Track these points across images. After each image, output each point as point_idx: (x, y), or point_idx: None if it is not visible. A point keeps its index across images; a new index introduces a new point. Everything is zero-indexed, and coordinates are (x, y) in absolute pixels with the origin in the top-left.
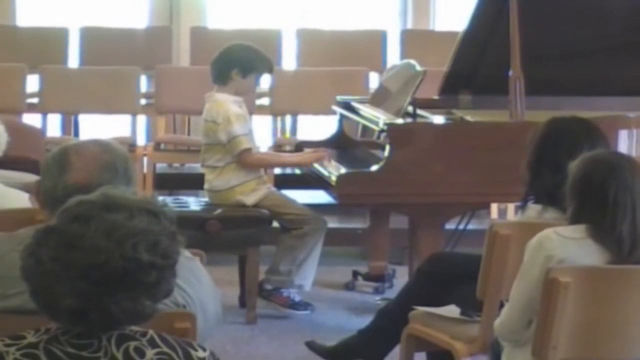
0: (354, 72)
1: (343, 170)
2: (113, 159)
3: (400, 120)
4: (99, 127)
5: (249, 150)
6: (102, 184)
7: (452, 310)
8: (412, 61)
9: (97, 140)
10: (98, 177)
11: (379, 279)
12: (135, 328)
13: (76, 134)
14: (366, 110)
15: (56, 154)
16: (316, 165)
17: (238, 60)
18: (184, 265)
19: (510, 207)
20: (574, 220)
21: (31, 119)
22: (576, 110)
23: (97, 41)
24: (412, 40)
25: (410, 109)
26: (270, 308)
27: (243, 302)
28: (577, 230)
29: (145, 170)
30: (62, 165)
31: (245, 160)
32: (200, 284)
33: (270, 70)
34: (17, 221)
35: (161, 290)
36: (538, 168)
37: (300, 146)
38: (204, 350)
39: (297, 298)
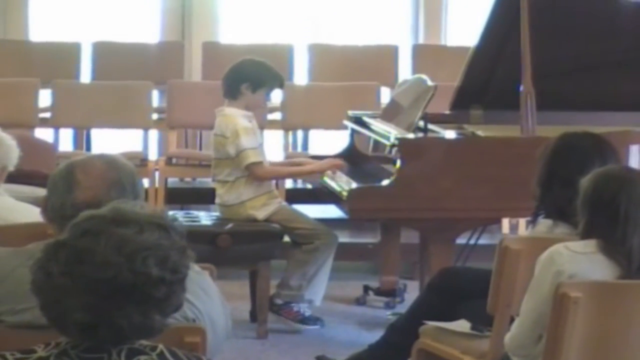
0: (365, 87)
1: (354, 185)
2: (119, 176)
3: (411, 135)
4: (111, 142)
5: (257, 163)
6: (110, 201)
7: (462, 325)
8: (424, 76)
9: (102, 155)
10: (106, 194)
11: (390, 293)
12: (145, 342)
13: (88, 148)
14: (377, 125)
15: (62, 171)
16: (327, 180)
17: (248, 75)
18: (193, 280)
19: (522, 222)
20: (584, 235)
21: (43, 134)
22: (587, 126)
23: (109, 56)
24: (424, 55)
25: (421, 123)
26: (281, 323)
27: (254, 316)
28: (588, 245)
29: (157, 184)
30: (69, 183)
31: (256, 174)
32: (210, 299)
33: (280, 85)
34: (29, 235)
35: (171, 305)
36: (549, 183)
37: None
38: None
39: (307, 313)
